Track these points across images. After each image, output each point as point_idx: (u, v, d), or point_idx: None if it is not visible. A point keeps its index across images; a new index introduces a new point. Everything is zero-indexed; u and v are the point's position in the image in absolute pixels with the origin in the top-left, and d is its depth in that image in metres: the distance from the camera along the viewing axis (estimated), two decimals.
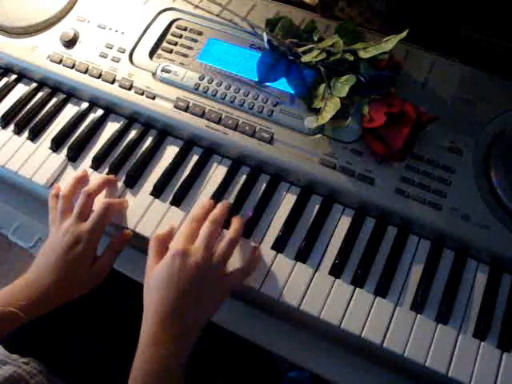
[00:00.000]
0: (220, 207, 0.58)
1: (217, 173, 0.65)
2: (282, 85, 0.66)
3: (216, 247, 0.55)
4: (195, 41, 0.72)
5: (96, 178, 0.65)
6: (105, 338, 0.74)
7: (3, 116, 0.71)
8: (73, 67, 0.71)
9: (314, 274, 0.57)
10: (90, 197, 0.61)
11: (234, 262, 0.58)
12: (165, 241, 0.57)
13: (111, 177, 0.65)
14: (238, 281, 0.56)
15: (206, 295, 0.53)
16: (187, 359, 0.51)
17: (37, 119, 0.71)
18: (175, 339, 0.50)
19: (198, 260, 0.52)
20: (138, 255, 0.65)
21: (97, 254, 0.60)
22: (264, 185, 0.64)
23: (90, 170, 0.66)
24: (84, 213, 0.60)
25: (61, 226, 0.59)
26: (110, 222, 0.61)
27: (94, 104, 0.72)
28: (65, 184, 0.64)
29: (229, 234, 0.56)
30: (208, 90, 0.67)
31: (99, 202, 0.60)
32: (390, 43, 0.61)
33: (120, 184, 0.65)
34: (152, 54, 0.72)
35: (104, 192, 0.64)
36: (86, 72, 0.70)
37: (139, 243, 0.64)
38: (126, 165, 0.67)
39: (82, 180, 0.64)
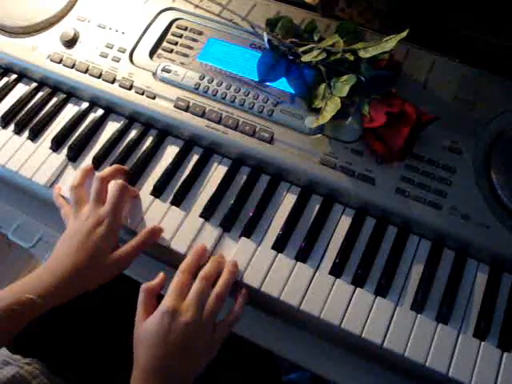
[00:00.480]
0: (213, 262, 0.57)
1: (217, 173, 0.65)
2: (282, 85, 0.66)
3: (210, 305, 0.53)
4: (195, 40, 0.72)
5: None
6: (106, 339, 0.74)
7: (3, 116, 0.71)
8: (73, 67, 0.71)
9: (314, 274, 0.58)
10: (104, 181, 0.60)
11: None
12: (154, 292, 0.55)
13: (123, 166, 0.64)
14: (226, 335, 0.55)
15: (194, 353, 0.52)
16: None
17: (37, 119, 0.71)
18: None
19: (187, 320, 0.51)
20: (139, 256, 0.65)
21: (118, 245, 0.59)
22: (264, 185, 0.64)
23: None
24: (101, 197, 0.59)
25: (80, 214, 0.58)
26: (126, 204, 0.60)
27: (94, 104, 0.72)
28: (67, 181, 0.63)
29: (218, 288, 0.54)
30: (208, 89, 0.67)
31: (112, 184, 0.60)
32: (390, 43, 0.61)
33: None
34: (152, 53, 0.72)
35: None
36: (86, 72, 0.71)
37: None
38: (126, 164, 0.66)
39: (89, 172, 0.64)
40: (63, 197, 0.64)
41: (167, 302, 0.52)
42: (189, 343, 0.51)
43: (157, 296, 0.55)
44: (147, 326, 0.52)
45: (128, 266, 0.58)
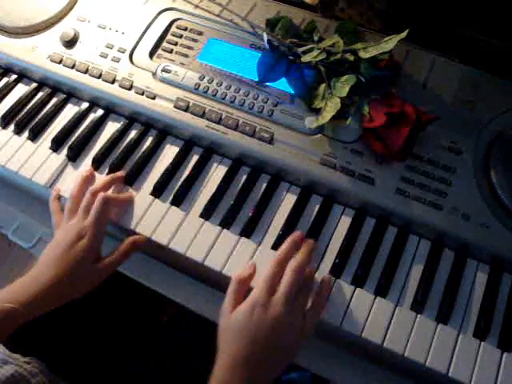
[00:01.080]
0: (304, 250, 0.56)
1: (217, 173, 0.65)
2: (282, 85, 0.66)
3: (299, 297, 0.53)
4: (195, 41, 0.72)
5: (101, 177, 0.65)
6: (106, 337, 0.74)
7: (3, 116, 0.71)
8: (73, 67, 0.71)
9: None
10: (95, 195, 0.60)
11: (232, 267, 0.57)
12: (246, 282, 0.55)
13: (118, 174, 0.65)
14: (312, 331, 0.54)
15: (283, 347, 0.51)
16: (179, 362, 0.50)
17: (37, 119, 0.71)
18: None
19: (273, 316, 0.50)
20: (138, 256, 0.65)
21: (102, 255, 0.60)
22: (264, 185, 0.64)
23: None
24: (89, 211, 0.60)
25: (66, 225, 0.59)
26: (111, 216, 0.61)
27: (94, 104, 0.72)
28: (72, 184, 0.64)
29: (317, 297, 0.54)
30: (208, 89, 0.67)
31: (97, 197, 0.60)
32: (390, 43, 0.61)
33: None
34: (152, 53, 0.72)
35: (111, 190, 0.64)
36: (86, 72, 0.71)
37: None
38: (126, 165, 0.67)
39: (89, 178, 0.64)
40: (59, 200, 0.64)
41: (258, 293, 0.51)
42: (279, 338, 0.50)
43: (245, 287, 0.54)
44: (237, 316, 0.51)
45: (109, 274, 0.59)
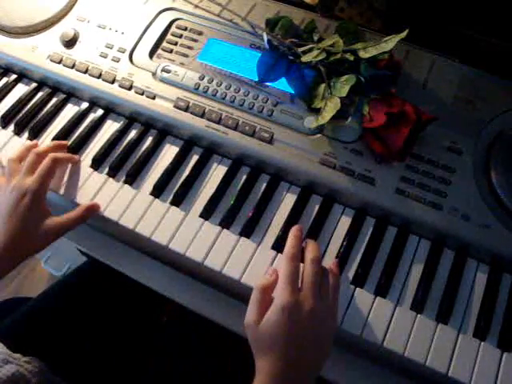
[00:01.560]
0: (312, 242, 0.56)
1: (217, 173, 0.65)
2: (282, 85, 0.66)
3: (323, 288, 0.52)
4: (195, 41, 0.72)
5: (97, 176, 0.65)
6: (106, 337, 0.74)
7: (3, 116, 0.71)
8: (73, 67, 0.71)
9: None
10: (40, 156, 0.62)
11: (231, 267, 0.57)
12: (270, 290, 0.51)
13: (64, 142, 0.67)
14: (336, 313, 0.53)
15: (321, 341, 0.49)
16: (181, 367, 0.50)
17: (37, 119, 0.71)
18: None
19: (308, 310, 0.48)
20: (138, 255, 0.65)
21: (50, 212, 0.60)
22: (264, 185, 0.64)
23: (90, 170, 0.66)
24: (32, 169, 0.61)
25: (8, 187, 0.60)
26: (54, 174, 0.62)
27: (93, 104, 0.72)
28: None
29: (332, 278, 0.53)
30: (208, 89, 0.67)
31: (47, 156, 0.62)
32: (390, 43, 0.61)
33: (120, 184, 0.65)
34: (152, 53, 0.72)
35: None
36: (86, 72, 0.70)
37: (140, 244, 0.64)
38: (126, 165, 0.67)
39: (32, 148, 0.65)
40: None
41: (283, 295, 0.49)
42: (315, 333, 0.49)
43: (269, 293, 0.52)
44: (268, 326, 0.48)
45: (62, 235, 0.60)
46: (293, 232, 0.56)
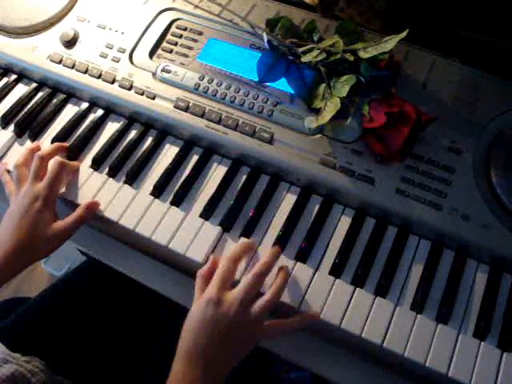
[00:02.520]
0: (270, 257, 0.55)
1: (217, 173, 0.65)
2: (282, 85, 0.66)
3: (254, 301, 0.53)
4: (195, 41, 0.72)
5: (98, 176, 0.65)
6: (106, 336, 0.74)
7: (3, 116, 0.71)
8: (73, 67, 0.71)
9: (314, 274, 0.58)
10: (44, 159, 0.63)
11: None
12: (209, 276, 0.55)
13: (64, 144, 0.67)
14: (269, 338, 0.55)
15: (235, 344, 0.52)
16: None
17: (37, 119, 0.71)
18: (203, 381, 0.50)
19: (231, 314, 0.51)
20: (138, 255, 0.65)
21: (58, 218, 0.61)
22: (264, 185, 0.64)
23: (90, 170, 0.66)
24: (39, 175, 0.62)
25: (20, 192, 0.61)
26: (64, 180, 0.64)
27: (94, 104, 0.72)
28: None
29: (270, 295, 0.53)
30: (208, 90, 0.67)
31: (52, 160, 0.63)
32: (390, 43, 0.61)
33: (120, 184, 0.65)
34: (152, 54, 0.72)
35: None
36: (85, 72, 0.70)
37: (139, 244, 0.64)
38: (126, 165, 0.67)
39: (34, 151, 0.66)
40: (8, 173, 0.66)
41: (212, 288, 0.52)
42: (229, 337, 0.51)
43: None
44: (193, 312, 0.53)
45: (67, 238, 0.61)
46: (246, 243, 0.58)
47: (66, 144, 0.67)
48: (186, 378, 0.50)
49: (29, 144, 0.69)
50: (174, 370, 0.51)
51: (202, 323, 0.51)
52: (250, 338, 0.53)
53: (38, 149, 0.67)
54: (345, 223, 0.61)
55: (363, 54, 0.62)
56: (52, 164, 0.63)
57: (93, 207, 0.62)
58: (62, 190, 0.64)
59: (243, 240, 0.60)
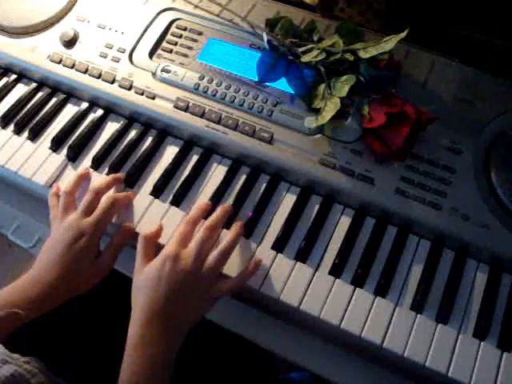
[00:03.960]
0: (219, 212, 0.58)
1: (217, 173, 0.65)
2: (282, 85, 0.66)
3: (209, 254, 0.54)
4: (195, 41, 0.72)
5: (98, 176, 0.65)
6: (106, 337, 0.74)
7: (3, 116, 0.71)
8: (73, 67, 0.71)
9: (313, 274, 0.57)
10: (98, 195, 0.61)
11: (232, 267, 0.58)
12: (153, 240, 0.57)
13: (119, 175, 0.65)
14: (227, 292, 0.55)
15: (192, 301, 0.53)
16: (175, 360, 0.52)
17: (37, 119, 0.71)
18: (162, 340, 0.51)
19: (187, 267, 0.53)
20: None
21: (100, 251, 0.60)
22: (264, 185, 0.64)
23: (90, 170, 0.66)
24: (89, 209, 0.60)
25: (64, 221, 0.59)
26: (114, 218, 0.61)
27: (93, 104, 0.72)
28: (66, 182, 0.64)
29: (223, 244, 0.55)
30: (208, 89, 0.67)
31: (105, 196, 0.61)
32: (390, 43, 0.61)
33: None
34: (152, 53, 0.72)
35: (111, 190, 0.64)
36: (85, 72, 0.70)
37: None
38: (125, 165, 0.66)
39: (84, 177, 0.64)
40: (58, 197, 0.64)
41: (169, 247, 0.54)
42: (187, 291, 0.52)
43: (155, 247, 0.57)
44: (148, 271, 0.53)
45: (110, 269, 0.60)
46: (201, 205, 0.59)
47: (121, 175, 0.64)
48: (144, 339, 0.50)
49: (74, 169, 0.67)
50: (131, 334, 0.51)
51: (159, 280, 0.52)
52: (207, 292, 0.54)
53: (88, 175, 0.65)
54: (345, 223, 0.61)
55: (363, 54, 0.62)
56: (104, 200, 0.60)
57: (130, 232, 0.61)
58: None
59: (242, 239, 0.59)
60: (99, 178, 0.65)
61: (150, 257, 0.55)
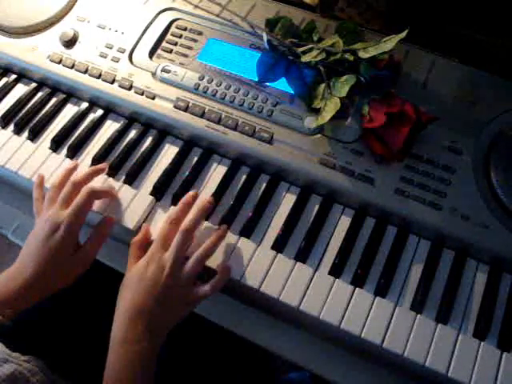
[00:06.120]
0: (195, 211, 0.57)
1: (217, 173, 0.65)
2: (282, 85, 0.66)
3: (190, 255, 0.56)
4: (195, 41, 0.72)
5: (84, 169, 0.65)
6: (106, 336, 0.74)
7: (3, 116, 0.71)
8: (72, 67, 0.71)
9: (313, 274, 0.57)
10: (76, 186, 0.60)
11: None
12: (142, 244, 0.59)
13: (101, 165, 0.65)
14: (206, 296, 0.56)
15: (172, 304, 0.55)
16: (175, 360, 0.53)
17: (36, 119, 0.71)
18: (145, 337, 0.52)
19: (166, 272, 0.54)
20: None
21: (80, 243, 0.60)
22: (264, 185, 0.64)
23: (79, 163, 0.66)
24: (68, 201, 0.59)
25: (45, 215, 0.59)
26: (91, 209, 0.60)
27: (93, 104, 0.72)
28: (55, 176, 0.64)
29: (202, 249, 0.56)
30: (208, 89, 0.67)
31: (83, 187, 0.60)
32: (390, 43, 0.61)
33: (120, 184, 0.65)
34: (152, 53, 0.72)
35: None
36: (85, 72, 0.70)
37: None
38: (125, 165, 0.67)
39: (73, 171, 0.64)
40: (42, 188, 0.64)
41: (152, 249, 0.56)
42: (165, 293, 0.54)
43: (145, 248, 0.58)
44: (133, 271, 0.56)
45: (91, 262, 0.60)
46: (185, 198, 0.59)
47: (105, 166, 0.65)
48: (128, 335, 0.52)
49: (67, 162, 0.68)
50: (115, 331, 0.53)
51: (141, 280, 0.54)
52: (186, 296, 0.55)
53: (75, 168, 0.64)
54: (344, 223, 0.61)
55: (363, 54, 0.62)
56: (82, 192, 0.59)
57: (111, 223, 0.61)
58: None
59: (242, 239, 0.59)
60: (97, 177, 0.65)
61: (139, 257, 0.57)
